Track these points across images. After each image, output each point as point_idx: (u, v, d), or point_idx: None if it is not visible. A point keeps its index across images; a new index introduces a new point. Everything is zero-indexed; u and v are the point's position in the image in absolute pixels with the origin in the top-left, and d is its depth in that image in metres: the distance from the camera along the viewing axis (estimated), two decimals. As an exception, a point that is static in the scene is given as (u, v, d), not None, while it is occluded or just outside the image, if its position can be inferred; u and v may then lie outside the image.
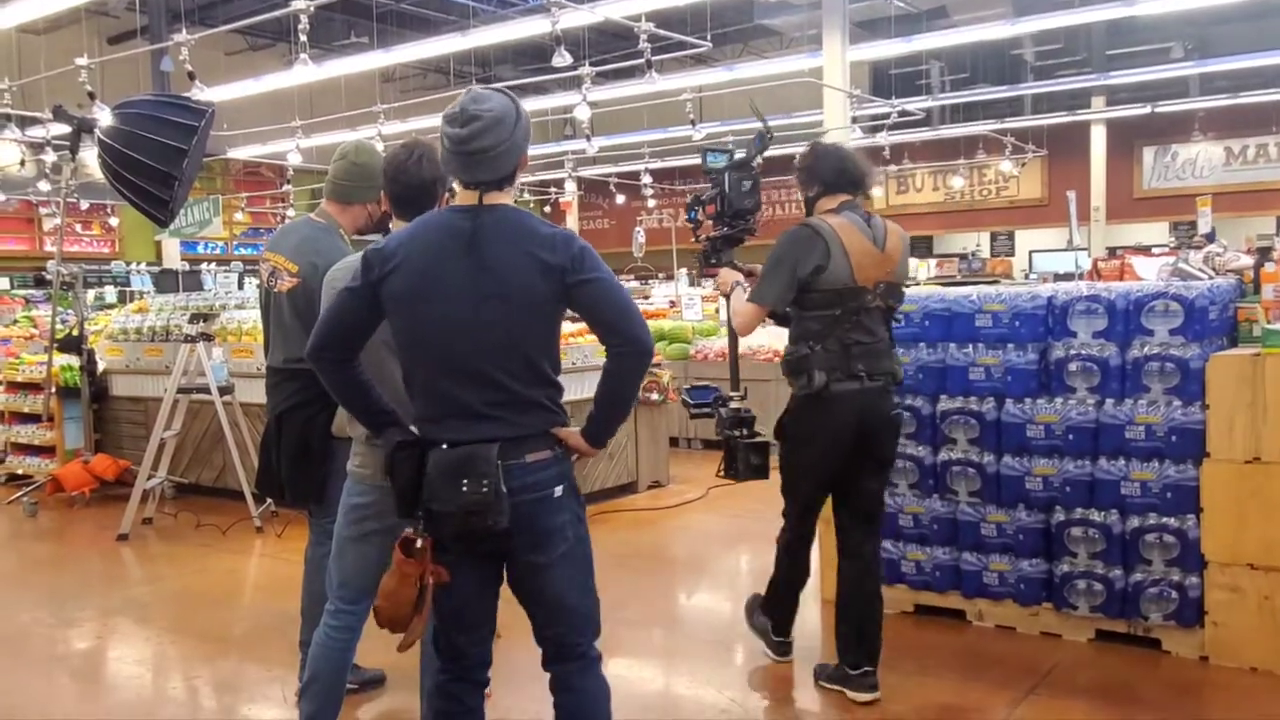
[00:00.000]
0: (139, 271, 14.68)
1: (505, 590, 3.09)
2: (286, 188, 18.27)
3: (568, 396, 3.09)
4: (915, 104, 18.02)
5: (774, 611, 4.90)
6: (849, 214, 4.37)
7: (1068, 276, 12.60)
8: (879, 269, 4.35)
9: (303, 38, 8.99)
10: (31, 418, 9.67)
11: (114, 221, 21.62)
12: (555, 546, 2.96)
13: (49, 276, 11.95)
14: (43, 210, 18.69)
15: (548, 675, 3.12)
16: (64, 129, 8.77)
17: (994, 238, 25.19)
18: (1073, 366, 4.87)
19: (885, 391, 4.42)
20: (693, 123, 13.21)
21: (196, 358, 7.85)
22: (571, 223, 26.38)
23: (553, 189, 24.69)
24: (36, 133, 15.06)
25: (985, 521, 5.15)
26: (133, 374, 9.32)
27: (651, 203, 22.78)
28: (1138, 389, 4.75)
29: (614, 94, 16.63)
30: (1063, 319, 4.92)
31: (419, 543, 2.92)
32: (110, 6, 18.02)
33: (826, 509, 4.65)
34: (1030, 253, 25.31)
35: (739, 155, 4.71)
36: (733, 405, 4.75)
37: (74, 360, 9.06)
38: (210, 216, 14.68)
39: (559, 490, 2.96)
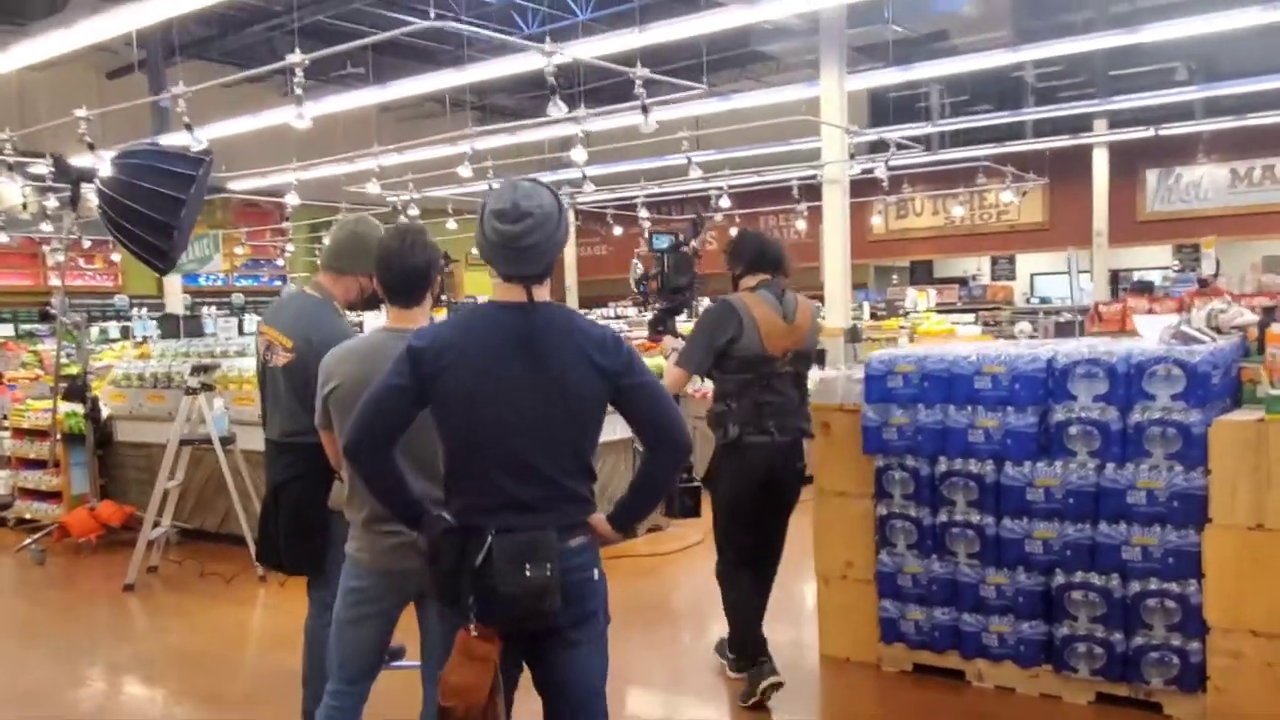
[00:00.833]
0: (141, 316, 14.71)
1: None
2: (286, 224, 18.27)
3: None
4: (914, 130, 18.05)
5: (734, 641, 5.39)
6: (764, 291, 5.13)
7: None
8: (787, 339, 5.10)
9: (299, 90, 8.99)
10: (38, 463, 9.74)
11: (116, 256, 21.62)
12: (592, 627, 3.08)
13: (53, 311, 12.01)
14: (45, 247, 18.70)
15: None
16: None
17: (995, 261, 25.17)
18: (1073, 430, 4.86)
19: (795, 445, 5.19)
20: (689, 162, 13.19)
21: (198, 408, 7.87)
22: (569, 250, 26.38)
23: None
24: (39, 169, 15.10)
25: (985, 583, 5.13)
26: (136, 420, 9.33)
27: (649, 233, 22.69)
28: (1139, 453, 4.74)
29: (611, 124, 16.63)
30: (1063, 381, 4.91)
31: (474, 631, 2.92)
32: (109, 42, 18.09)
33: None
34: (1032, 275, 25.37)
35: (680, 240, 5.69)
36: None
37: (78, 408, 9.11)
38: (210, 253, 14.77)
39: (596, 573, 3.07)
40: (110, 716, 5.56)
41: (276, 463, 4.39)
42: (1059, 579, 4.94)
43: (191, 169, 7.09)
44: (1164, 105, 17.60)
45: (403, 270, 3.53)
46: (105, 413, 9.39)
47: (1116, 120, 19.54)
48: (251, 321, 17.96)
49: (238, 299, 21.94)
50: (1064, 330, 6.01)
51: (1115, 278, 22.40)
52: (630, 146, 17.71)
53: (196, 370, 8.01)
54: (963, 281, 25.10)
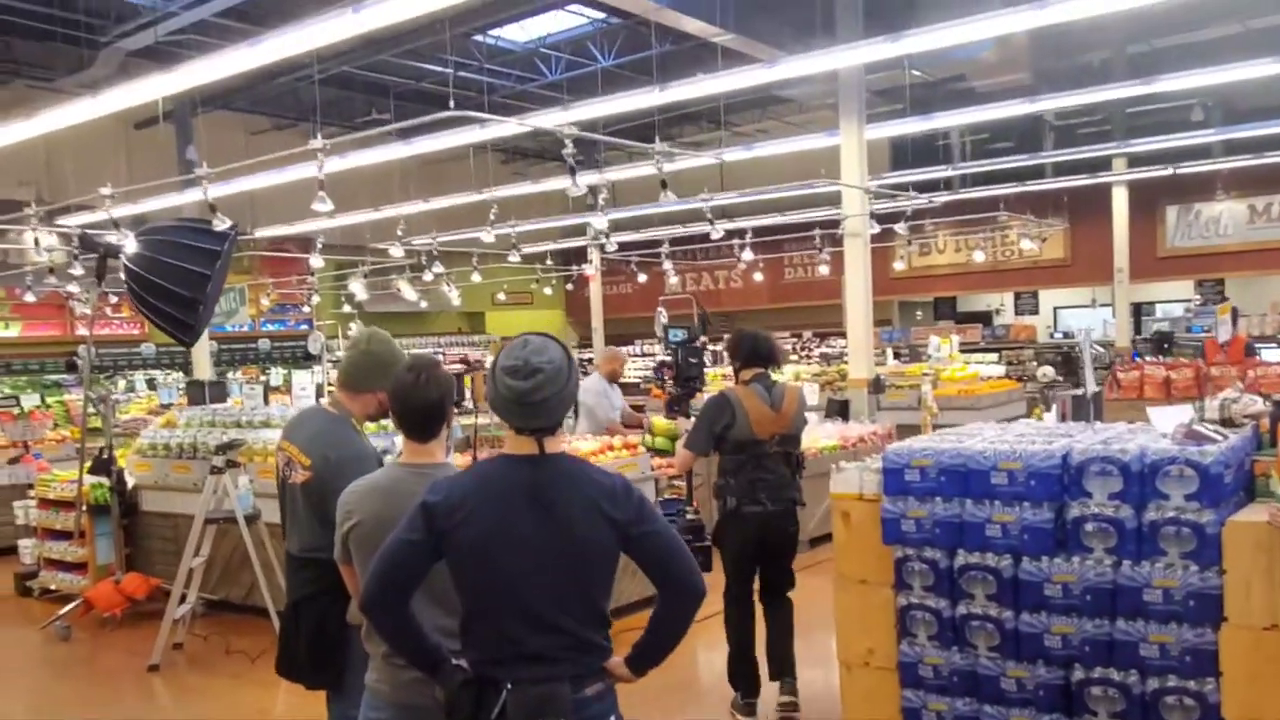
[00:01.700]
0: (167, 384, 14.84)
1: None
2: (311, 278, 18.41)
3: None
4: (934, 174, 18.07)
5: (735, 677, 6.42)
6: (756, 384, 6.26)
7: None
8: (775, 425, 6.22)
9: (321, 175, 9.10)
10: (64, 534, 9.81)
11: (143, 304, 21.77)
12: None
13: (79, 362, 12.12)
14: (73, 300, 18.90)
15: None
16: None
17: (1018, 297, 25.13)
18: (1089, 527, 4.87)
19: (787, 512, 6.30)
20: (710, 221, 13.26)
21: (223, 486, 7.95)
22: (595, 290, 26.46)
23: (573, 264, 24.84)
24: (67, 221, 15.28)
25: (1005, 675, 5.13)
26: (161, 490, 9.43)
27: (674, 278, 22.79)
28: (1154, 551, 4.74)
29: (632, 174, 16.74)
30: (1078, 478, 4.91)
31: None
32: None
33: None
34: (1055, 309, 25.31)
35: (691, 334, 7.43)
36: (688, 516, 7.25)
37: (104, 479, 9.19)
38: (237, 306, 14.97)
39: (612, 718, 3.12)
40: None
41: (296, 577, 4.45)
42: (1078, 674, 4.94)
43: (216, 244, 7.21)
44: (1182, 145, 17.62)
45: (419, 407, 3.57)
46: (130, 482, 9.48)
47: (1136, 160, 19.54)
48: (277, 375, 18.17)
49: (264, 344, 22.16)
50: (1080, 406, 6.03)
51: (1138, 310, 22.37)
52: (655, 189, 17.85)
53: (220, 449, 8.10)
54: (986, 319, 25.05)
